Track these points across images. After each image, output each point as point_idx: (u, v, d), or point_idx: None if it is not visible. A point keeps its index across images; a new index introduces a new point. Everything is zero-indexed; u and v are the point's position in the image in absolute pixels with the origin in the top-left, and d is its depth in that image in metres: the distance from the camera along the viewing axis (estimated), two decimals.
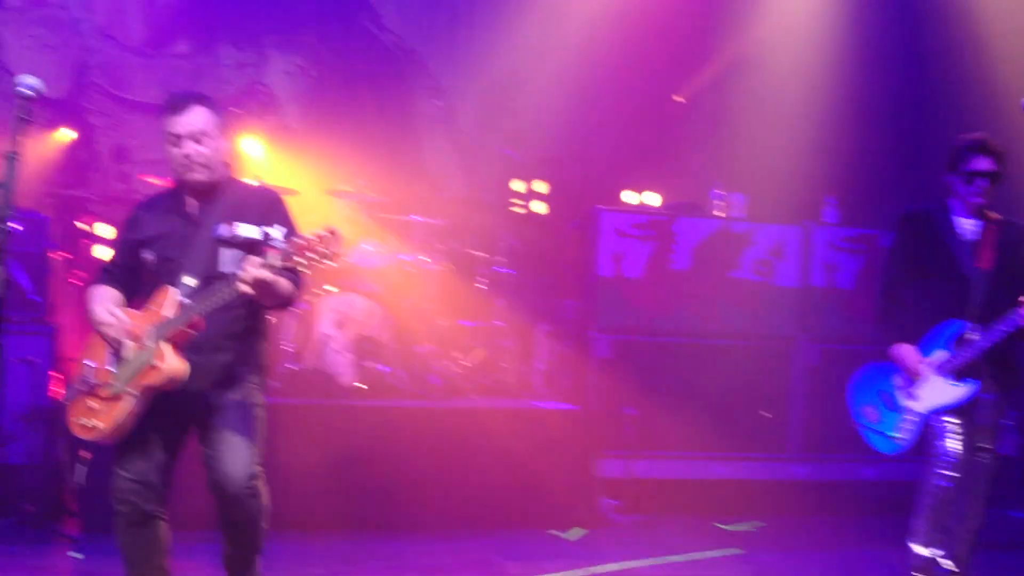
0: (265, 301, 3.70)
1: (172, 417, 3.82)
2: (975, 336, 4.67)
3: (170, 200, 3.99)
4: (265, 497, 3.98)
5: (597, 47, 9.19)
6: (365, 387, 6.89)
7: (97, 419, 3.70)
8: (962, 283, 4.77)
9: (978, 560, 5.15)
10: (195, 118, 3.80)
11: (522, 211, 8.96)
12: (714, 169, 8.62)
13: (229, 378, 3.87)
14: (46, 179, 8.08)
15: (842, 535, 6.69)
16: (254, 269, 3.47)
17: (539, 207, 9.01)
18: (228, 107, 8.49)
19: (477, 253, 8.03)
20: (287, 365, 6.87)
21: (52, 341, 6.59)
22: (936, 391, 4.72)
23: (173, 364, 3.63)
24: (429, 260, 7.54)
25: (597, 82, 9.35)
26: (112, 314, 3.74)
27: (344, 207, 7.77)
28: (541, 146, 9.33)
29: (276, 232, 3.70)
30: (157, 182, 7.78)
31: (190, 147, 3.78)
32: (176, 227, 3.87)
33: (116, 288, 3.90)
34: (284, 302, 3.80)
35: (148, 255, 3.87)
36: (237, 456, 3.81)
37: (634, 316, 7.29)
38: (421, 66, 9.65)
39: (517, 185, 8.96)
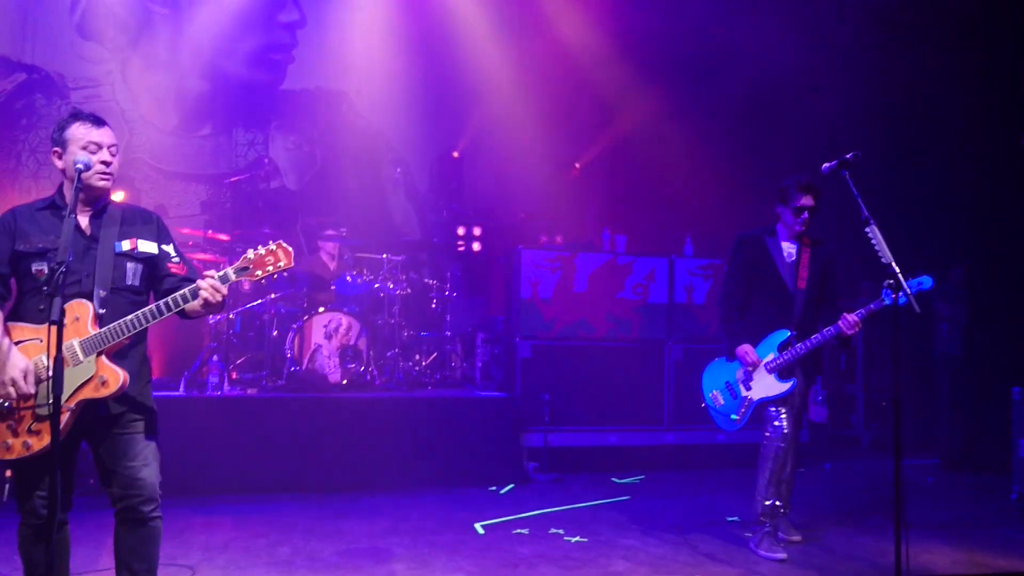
0: (212, 310, 3.12)
1: (80, 432, 3.09)
2: (795, 344, 4.75)
3: (53, 214, 3.17)
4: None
5: (515, 128, 9.25)
6: (347, 383, 6.81)
7: (26, 438, 2.96)
8: (786, 298, 4.84)
9: (799, 502, 5.25)
10: (111, 133, 3.20)
11: (463, 249, 8.94)
12: (603, 217, 8.68)
13: (134, 386, 3.12)
14: None
15: (702, 484, 6.73)
16: (215, 283, 3.02)
17: (476, 246, 9.00)
18: (240, 175, 8.48)
19: (430, 281, 8.00)
20: (290, 368, 6.76)
21: None
22: (767, 385, 4.79)
23: (117, 374, 3.00)
24: (394, 287, 7.49)
25: (516, 153, 9.39)
26: (21, 375, 2.94)
27: (331, 247, 7.70)
28: (476, 201, 9.35)
29: (170, 249, 3.23)
30: (186, 232, 7.67)
31: (107, 156, 3.15)
32: (72, 243, 2.93)
33: None
34: (216, 311, 3.18)
35: (38, 266, 3.07)
36: (146, 472, 3.11)
37: (547, 327, 7.28)
38: (386, 143, 9.60)
39: (460, 230, 8.95)
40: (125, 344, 3.08)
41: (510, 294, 7.47)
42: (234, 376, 6.91)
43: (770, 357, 4.78)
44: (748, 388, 4.83)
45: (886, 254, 3.93)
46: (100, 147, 3.14)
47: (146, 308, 3.06)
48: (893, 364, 3.79)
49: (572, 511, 5.78)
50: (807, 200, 4.80)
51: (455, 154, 9.43)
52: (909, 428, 7.95)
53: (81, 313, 3.03)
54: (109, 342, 3.01)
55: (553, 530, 5.20)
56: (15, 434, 2.96)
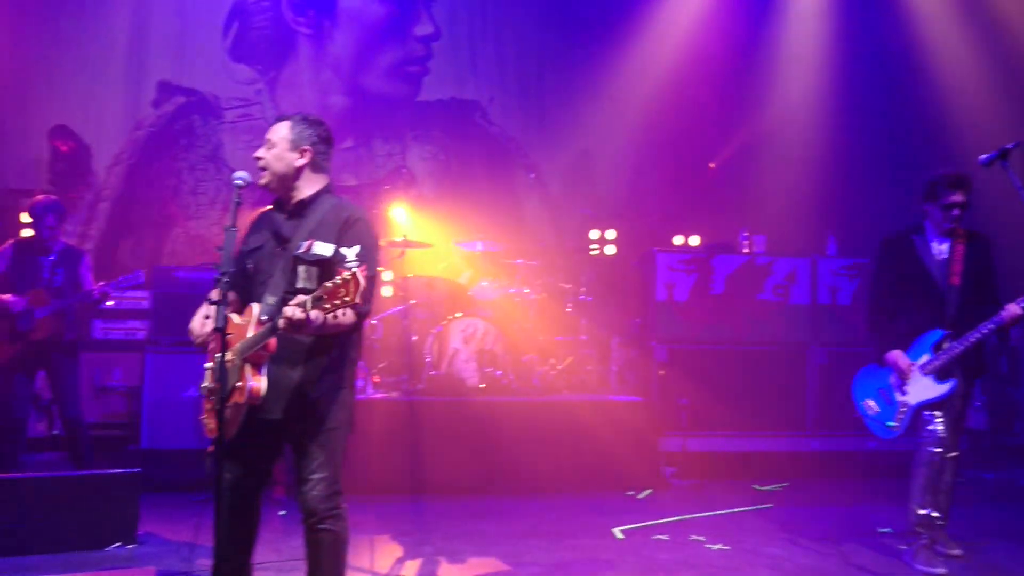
0: (311, 334, 3.00)
1: (266, 428, 3.13)
2: (951, 343, 4.50)
3: (268, 216, 3.31)
4: (344, 521, 3.21)
5: (647, 128, 9.18)
6: (484, 387, 6.92)
7: (209, 422, 3.12)
8: (938, 298, 4.59)
9: (958, 513, 4.96)
10: (274, 127, 3.24)
11: (597, 253, 8.93)
12: (741, 217, 8.47)
13: (314, 391, 3.13)
14: None
15: (849, 494, 6.48)
16: (289, 310, 2.83)
17: (610, 250, 8.96)
18: (381, 185, 8.76)
19: (565, 286, 8.01)
20: (429, 372, 6.93)
21: None
22: (923, 388, 4.54)
23: (252, 384, 2.99)
24: (530, 292, 7.55)
25: (650, 154, 9.31)
26: (200, 321, 3.18)
27: (467, 254, 7.86)
28: (610, 204, 9.31)
29: (349, 252, 2.95)
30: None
31: (260, 152, 3.22)
32: (269, 242, 3.18)
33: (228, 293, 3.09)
34: (340, 329, 3.04)
35: (249, 265, 3.23)
36: (316, 475, 3.12)
37: (683, 329, 7.18)
38: (518, 148, 9.70)
39: (593, 234, 8.94)
40: (281, 351, 3.01)
41: (645, 297, 7.41)
42: (376, 380, 7.14)
43: (924, 359, 4.53)
44: (904, 393, 4.59)
45: None
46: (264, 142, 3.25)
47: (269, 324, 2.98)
48: None
49: (713, 518, 5.67)
50: (957, 196, 4.53)
51: (588, 157, 9.42)
52: None
53: (250, 317, 3.06)
54: (248, 350, 2.99)
55: (694, 537, 5.11)
56: (208, 417, 3.11)
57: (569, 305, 7.86)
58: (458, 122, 9.58)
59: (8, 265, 5.75)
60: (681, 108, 9.09)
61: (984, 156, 3.96)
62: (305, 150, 3.20)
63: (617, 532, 5.22)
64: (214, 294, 2.99)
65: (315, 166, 3.24)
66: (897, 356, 4.57)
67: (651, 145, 9.25)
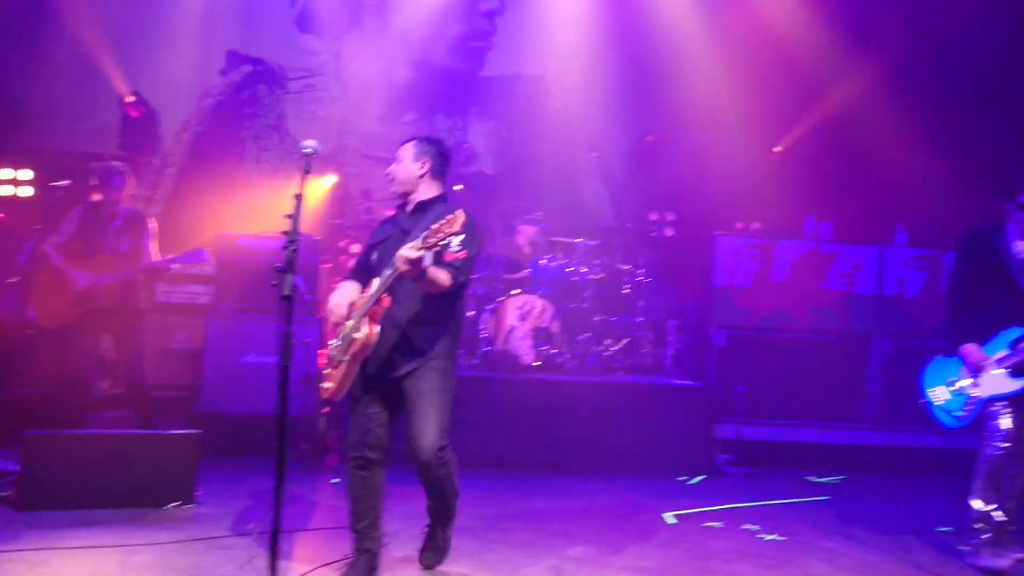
0: (420, 280, 3.47)
1: (385, 388, 3.70)
2: None
3: (394, 216, 3.95)
4: (452, 465, 3.75)
5: (713, 110, 8.99)
6: (539, 365, 6.90)
7: (330, 381, 3.70)
8: (1017, 297, 4.44)
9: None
10: (400, 149, 3.86)
11: (656, 235, 8.83)
12: (806, 204, 8.28)
13: (419, 356, 3.67)
14: (317, 211, 8.40)
15: (909, 490, 6.33)
16: (404, 250, 3.33)
17: (668, 232, 8.85)
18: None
19: (624, 266, 7.94)
20: (484, 348, 6.94)
21: (320, 328, 6.75)
22: (996, 382, 4.40)
23: (365, 331, 3.52)
24: (588, 271, 7.50)
25: (714, 137, 9.13)
26: (336, 302, 3.70)
27: (527, 230, 7.82)
28: (671, 186, 9.18)
29: (456, 240, 3.36)
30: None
31: (390, 167, 3.87)
32: (392, 235, 3.75)
33: (356, 281, 3.80)
34: (438, 283, 3.51)
35: (373, 256, 3.81)
36: (426, 431, 3.59)
37: (744, 316, 7.07)
38: (582, 127, 9.61)
39: (653, 216, 8.83)
40: (397, 315, 3.63)
41: (705, 281, 7.30)
42: None
43: (1001, 353, 4.39)
44: (976, 385, 4.46)
45: None
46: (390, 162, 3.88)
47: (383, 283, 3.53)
48: None
49: (767, 507, 5.59)
50: None
51: (650, 138, 9.29)
52: None
53: (372, 289, 3.60)
54: (367, 306, 3.56)
55: (746, 526, 5.04)
56: (327, 378, 3.75)
57: (627, 286, 7.79)
58: (521, 99, 9.52)
59: (76, 229, 5.88)
60: (748, 89, 8.87)
61: None
62: (425, 162, 3.82)
63: (669, 517, 5.17)
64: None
65: (433, 174, 3.85)
66: (972, 349, 4.45)
67: (716, 127, 9.07)
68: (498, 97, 9.50)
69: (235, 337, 6.50)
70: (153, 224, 6.17)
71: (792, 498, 5.87)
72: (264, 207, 8.70)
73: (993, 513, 4.43)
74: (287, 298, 2.88)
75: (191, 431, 5.00)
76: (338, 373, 3.63)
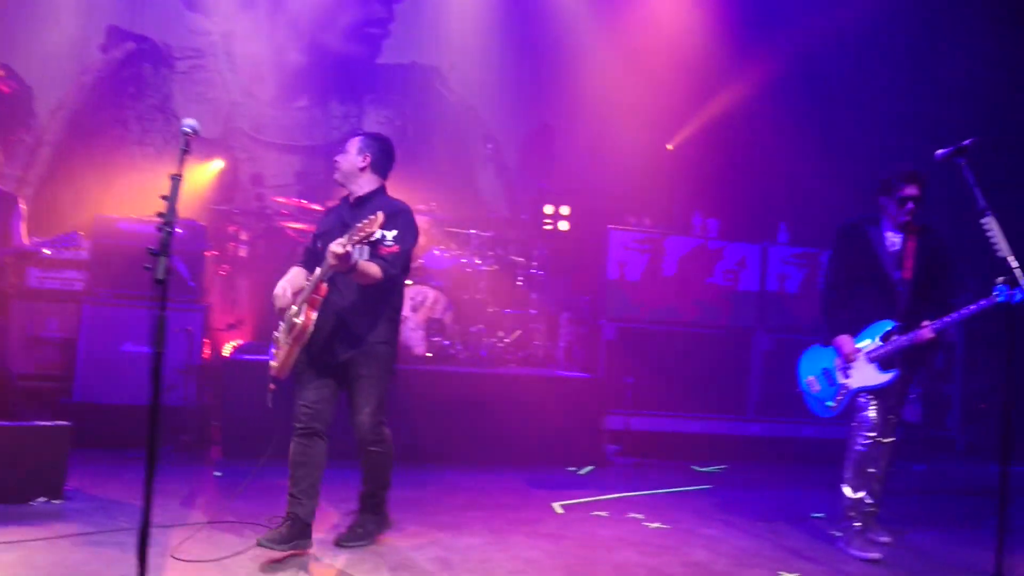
0: (351, 273, 3.71)
1: (329, 368, 3.96)
2: (898, 335, 4.56)
3: (339, 206, 4.18)
4: (388, 445, 4.08)
5: (607, 107, 9.11)
6: (431, 356, 6.85)
7: (275, 360, 3.96)
8: (889, 289, 4.65)
9: (888, 502, 5.05)
10: (348, 142, 4.13)
11: (551, 228, 8.88)
12: (694, 200, 8.49)
13: (358, 343, 3.93)
14: (203, 197, 8.10)
15: (785, 478, 6.58)
16: (333, 245, 3.55)
17: (563, 225, 8.91)
18: (335, 147, 8.56)
19: (517, 259, 7.96)
20: None
21: (204, 316, 6.57)
22: (866, 374, 4.62)
23: (303, 318, 3.77)
24: (481, 263, 7.49)
25: (608, 132, 9.25)
26: (281, 288, 3.95)
27: (421, 221, 7.72)
28: (566, 179, 9.25)
29: (389, 234, 3.63)
30: (281, 201, 7.84)
31: (337, 155, 4.12)
32: (335, 226, 3.94)
33: (304, 268, 4.09)
34: (369, 276, 3.77)
35: (319, 244, 3.99)
36: (363, 408, 3.94)
37: (633, 309, 7.19)
38: (477, 118, 9.58)
39: (548, 208, 8.88)
40: (340, 305, 3.89)
41: (597, 275, 7.39)
42: None
43: (869, 344, 4.60)
44: (847, 376, 4.67)
45: (1004, 247, 3.71)
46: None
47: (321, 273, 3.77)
48: (1007, 365, 3.59)
49: (652, 496, 5.71)
50: (911, 190, 4.59)
51: (545, 130, 9.34)
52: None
53: (314, 276, 3.81)
54: (307, 294, 3.81)
55: (632, 514, 5.14)
56: (274, 358, 4.00)
57: (520, 278, 7.82)
58: (417, 87, 9.42)
59: None
60: (642, 87, 9.03)
61: (940, 151, 3.98)
62: (367, 156, 4.08)
63: (557, 507, 5.22)
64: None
65: (374, 168, 4.10)
66: (844, 340, 4.65)
67: (610, 123, 9.19)
68: (394, 86, 9.37)
69: (111, 324, 6.22)
70: (23, 205, 5.82)
71: (677, 487, 6.02)
72: (148, 190, 8.28)
73: (863, 499, 4.64)
74: (160, 282, 2.75)
75: (60, 423, 4.73)
76: (282, 354, 3.90)
